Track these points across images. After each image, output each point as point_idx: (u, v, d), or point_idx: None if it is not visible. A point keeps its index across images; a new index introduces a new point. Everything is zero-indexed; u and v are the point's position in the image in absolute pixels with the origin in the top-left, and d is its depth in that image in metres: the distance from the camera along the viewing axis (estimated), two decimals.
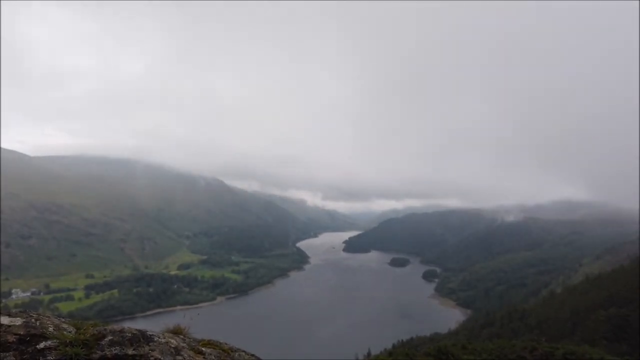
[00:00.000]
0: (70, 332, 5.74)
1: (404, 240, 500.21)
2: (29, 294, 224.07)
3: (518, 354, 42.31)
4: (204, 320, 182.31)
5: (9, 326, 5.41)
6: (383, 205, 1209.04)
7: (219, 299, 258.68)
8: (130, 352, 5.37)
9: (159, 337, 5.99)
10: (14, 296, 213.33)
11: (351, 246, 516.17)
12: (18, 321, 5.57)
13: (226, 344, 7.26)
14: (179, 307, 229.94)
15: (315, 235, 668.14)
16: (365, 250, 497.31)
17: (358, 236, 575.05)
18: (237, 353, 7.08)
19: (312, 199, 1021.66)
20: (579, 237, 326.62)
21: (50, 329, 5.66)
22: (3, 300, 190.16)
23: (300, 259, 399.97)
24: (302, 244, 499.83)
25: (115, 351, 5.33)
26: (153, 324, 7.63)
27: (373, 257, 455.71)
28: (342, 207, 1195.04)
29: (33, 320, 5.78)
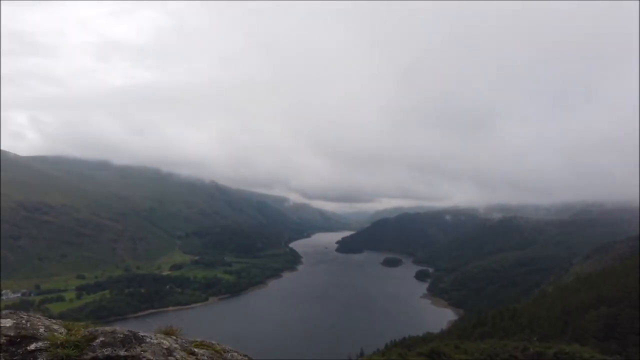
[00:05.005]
0: (61, 333, 5.70)
1: (396, 240, 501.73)
2: (19, 295, 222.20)
3: (510, 354, 42.60)
4: (196, 321, 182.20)
5: None
6: (376, 206, 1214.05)
7: (211, 299, 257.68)
8: (122, 353, 5.36)
9: (151, 338, 5.97)
10: (4, 297, 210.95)
11: (344, 246, 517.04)
12: (8, 322, 5.53)
13: (219, 344, 7.26)
14: (171, 308, 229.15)
15: (308, 236, 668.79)
16: (358, 250, 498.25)
17: (351, 236, 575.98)
18: (229, 354, 7.08)
19: (301, 199, 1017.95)
20: (569, 236, 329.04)
21: (41, 330, 5.63)
22: None
23: (293, 260, 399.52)
24: (295, 244, 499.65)
25: (107, 352, 5.31)
26: (145, 325, 7.60)
27: (366, 257, 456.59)
28: (334, 207, 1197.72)
29: (23, 321, 5.74)
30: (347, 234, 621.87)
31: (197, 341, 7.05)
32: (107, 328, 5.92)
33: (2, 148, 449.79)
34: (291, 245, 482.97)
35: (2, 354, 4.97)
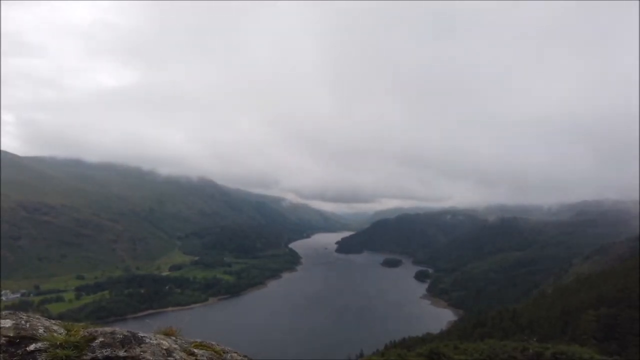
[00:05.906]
0: (60, 333, 5.69)
1: (396, 240, 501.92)
2: (18, 295, 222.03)
3: (509, 354, 42.53)
4: (196, 322, 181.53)
5: None
6: (375, 206, 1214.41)
7: (211, 300, 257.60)
8: (121, 353, 5.35)
9: (150, 339, 5.97)
10: (3, 297, 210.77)
11: (344, 247, 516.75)
12: (8, 323, 5.52)
13: (218, 345, 7.25)
14: (170, 309, 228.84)
15: (308, 236, 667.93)
16: (358, 251, 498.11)
17: (350, 237, 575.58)
18: (229, 354, 7.07)
19: (297, 199, 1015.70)
20: (569, 237, 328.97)
21: (41, 330, 5.62)
22: None
23: (293, 260, 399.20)
24: (295, 245, 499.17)
25: (107, 353, 5.30)
26: (145, 326, 7.59)
27: (365, 258, 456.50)
28: (334, 207, 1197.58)
29: (23, 322, 5.73)
30: (346, 234, 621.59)
31: (196, 342, 7.04)
32: (107, 329, 5.92)
33: (1, 148, 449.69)
34: (291, 245, 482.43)
35: (1, 355, 4.97)
